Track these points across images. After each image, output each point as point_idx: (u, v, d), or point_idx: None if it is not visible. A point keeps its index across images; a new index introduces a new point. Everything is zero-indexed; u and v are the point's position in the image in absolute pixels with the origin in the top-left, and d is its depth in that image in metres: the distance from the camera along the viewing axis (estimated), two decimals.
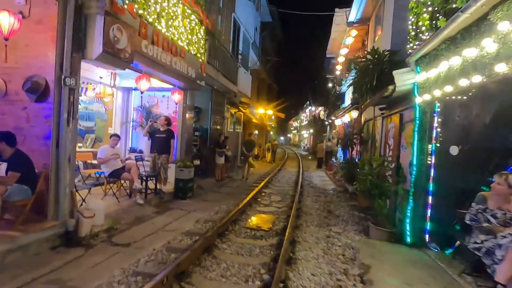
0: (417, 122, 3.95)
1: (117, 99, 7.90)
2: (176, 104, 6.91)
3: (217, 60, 8.90)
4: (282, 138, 78.73)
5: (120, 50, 4.35)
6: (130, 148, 8.01)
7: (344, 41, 10.57)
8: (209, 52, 8.08)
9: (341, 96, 13.63)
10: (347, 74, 12.65)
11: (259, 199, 7.28)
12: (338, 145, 12.84)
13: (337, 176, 10.59)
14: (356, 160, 8.81)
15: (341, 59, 11.87)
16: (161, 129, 6.64)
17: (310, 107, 38.83)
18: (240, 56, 12.05)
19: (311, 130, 34.87)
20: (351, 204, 7.00)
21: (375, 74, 5.77)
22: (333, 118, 14.81)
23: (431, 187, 3.84)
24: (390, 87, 4.13)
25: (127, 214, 5.31)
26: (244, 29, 12.86)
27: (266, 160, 20.54)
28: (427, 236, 3.86)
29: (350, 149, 8.98)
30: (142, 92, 5.38)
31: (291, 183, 10.37)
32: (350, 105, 9.47)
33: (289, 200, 7.27)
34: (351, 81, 8.02)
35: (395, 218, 4.68)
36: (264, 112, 24.70)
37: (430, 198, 3.84)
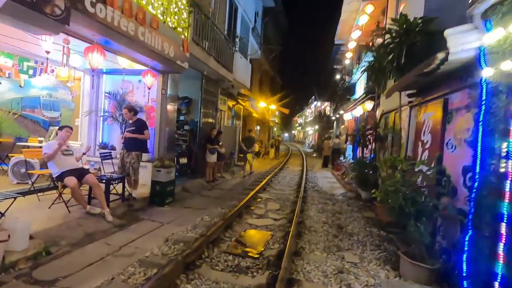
0: (484, 107, 2.56)
1: (85, 84, 6.61)
2: (149, 89, 5.58)
3: (207, 40, 7.54)
4: (286, 134, 77.29)
5: (46, 1, 3.02)
6: (100, 143, 6.73)
7: (356, 22, 9.11)
8: (196, 29, 6.73)
9: (351, 88, 12.18)
10: (357, 64, 11.20)
11: (252, 207, 5.96)
12: (348, 143, 11.43)
13: (346, 178, 9.20)
14: (369, 160, 7.43)
15: (351, 45, 10.41)
16: (131, 121, 5.35)
17: (315, 102, 37.31)
18: (237, 41, 10.66)
19: (316, 127, 33.38)
20: (367, 216, 5.63)
21: (404, 48, 4.36)
22: (341, 112, 13.36)
23: (506, 208, 2.46)
24: (440, 55, 2.74)
25: (74, 231, 4.03)
26: (243, 10, 11.45)
27: (270, 157, 19.32)
28: (497, 285, 2.49)
29: (362, 147, 7.57)
30: (93, 70, 4.06)
31: (293, 186, 9.02)
32: (364, 95, 8.06)
33: (289, 209, 5.94)
34: (365, 67, 6.60)
35: (435, 246, 3.32)
36: (266, 106, 23.31)
37: (503, 226, 2.46)
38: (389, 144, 6.13)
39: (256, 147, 14.56)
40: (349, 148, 11.10)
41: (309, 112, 44.81)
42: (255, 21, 14.58)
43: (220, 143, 9.15)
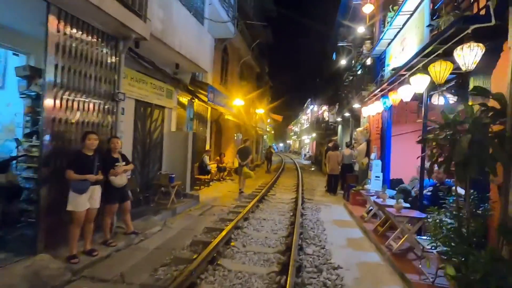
0: None
1: None
2: None
3: None
4: (281, 144, 72.67)
5: None
6: None
7: None
8: None
9: (375, 64, 7.41)
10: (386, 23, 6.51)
11: None
12: (374, 156, 6.58)
13: (392, 238, 4.31)
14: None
15: None
16: None
17: (311, 106, 32.77)
18: None
19: (314, 135, 28.66)
20: None
21: None
22: (356, 106, 8.55)
23: None
24: None
25: None
26: None
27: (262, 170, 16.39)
28: None
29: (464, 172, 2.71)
30: None
31: (274, 248, 4.11)
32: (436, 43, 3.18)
33: None
34: None
35: None
36: (250, 109, 18.56)
37: None
38: None
39: (250, 159, 10.06)
40: (375, 165, 6.24)
41: (305, 118, 40.31)
42: None
43: (122, 164, 4.37)
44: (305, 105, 38.50)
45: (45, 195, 3.55)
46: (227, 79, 13.68)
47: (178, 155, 7.83)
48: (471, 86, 3.20)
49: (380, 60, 7.12)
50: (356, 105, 8.30)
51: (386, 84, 5.20)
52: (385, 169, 6.37)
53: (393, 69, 4.82)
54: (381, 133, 6.65)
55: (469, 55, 2.65)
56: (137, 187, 6.31)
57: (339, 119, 13.22)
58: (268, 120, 34.78)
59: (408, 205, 4.04)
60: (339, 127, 14.13)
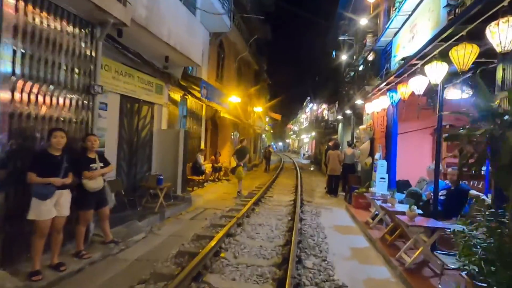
0: None
1: None
2: None
3: None
4: (280, 143, 72.09)
5: None
6: None
7: None
8: None
9: (379, 55, 6.86)
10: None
11: None
12: (379, 155, 6.09)
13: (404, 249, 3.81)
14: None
15: None
16: None
17: (311, 105, 32.28)
18: None
19: (313, 133, 28.18)
20: None
21: None
22: (359, 103, 8.04)
23: None
24: None
25: None
26: None
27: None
28: None
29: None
30: None
31: (270, 259, 3.62)
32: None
33: None
34: None
35: None
36: (246, 107, 18.07)
37: None
38: None
39: (247, 159, 9.65)
40: (380, 165, 5.76)
41: (304, 117, 39.83)
42: None
43: (101, 166, 3.89)
44: (304, 104, 38.01)
45: (1, 202, 3.04)
46: (223, 75, 13.16)
47: (169, 155, 7.33)
48: (499, 75, 2.70)
49: (385, 53, 6.60)
50: (358, 101, 7.79)
51: (393, 76, 4.70)
52: (391, 169, 5.88)
53: (402, 59, 4.32)
54: (386, 130, 6.16)
55: (506, 31, 2.16)
56: (121, 189, 5.81)
57: (339, 117, 12.71)
58: (267, 119, 34.28)
59: (420, 211, 3.55)
60: (340, 125, 13.63)
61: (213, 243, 4.01)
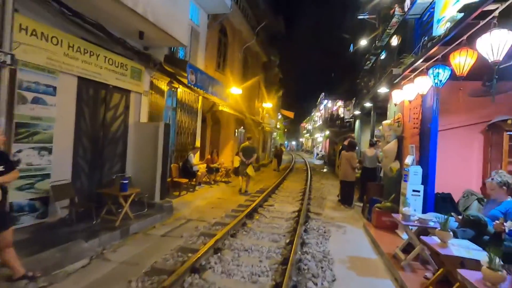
0: None
1: None
2: None
3: None
4: (294, 142, 70.14)
5: None
6: None
7: None
8: None
9: (412, 31, 5.19)
10: None
11: None
12: (410, 159, 4.50)
13: None
14: None
15: None
16: None
17: (325, 101, 30.46)
18: None
19: (327, 132, 26.35)
20: None
21: None
22: (380, 91, 6.41)
23: None
24: None
25: None
26: None
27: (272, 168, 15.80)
28: None
29: None
30: None
31: None
32: None
33: None
34: None
35: None
36: (254, 102, 16.67)
37: None
38: None
39: (254, 158, 8.59)
40: (414, 173, 4.20)
41: (318, 115, 37.98)
42: None
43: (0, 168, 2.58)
44: (318, 101, 36.16)
45: None
46: (226, 65, 11.81)
47: (148, 153, 6.07)
48: None
49: (421, 23, 5.00)
50: (382, 90, 6.18)
51: (441, 43, 3.16)
52: (428, 179, 4.32)
53: (461, 10, 2.76)
54: (422, 126, 4.58)
55: None
56: (74, 196, 4.58)
57: (357, 112, 11.03)
58: (279, 117, 32.69)
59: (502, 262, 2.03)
60: (357, 122, 11.94)
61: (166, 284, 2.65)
